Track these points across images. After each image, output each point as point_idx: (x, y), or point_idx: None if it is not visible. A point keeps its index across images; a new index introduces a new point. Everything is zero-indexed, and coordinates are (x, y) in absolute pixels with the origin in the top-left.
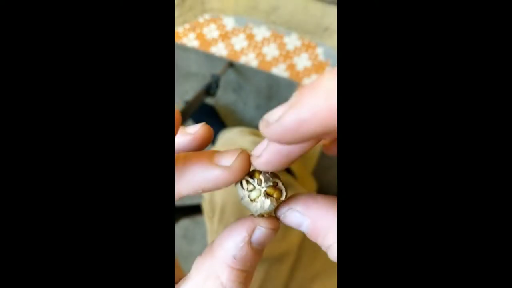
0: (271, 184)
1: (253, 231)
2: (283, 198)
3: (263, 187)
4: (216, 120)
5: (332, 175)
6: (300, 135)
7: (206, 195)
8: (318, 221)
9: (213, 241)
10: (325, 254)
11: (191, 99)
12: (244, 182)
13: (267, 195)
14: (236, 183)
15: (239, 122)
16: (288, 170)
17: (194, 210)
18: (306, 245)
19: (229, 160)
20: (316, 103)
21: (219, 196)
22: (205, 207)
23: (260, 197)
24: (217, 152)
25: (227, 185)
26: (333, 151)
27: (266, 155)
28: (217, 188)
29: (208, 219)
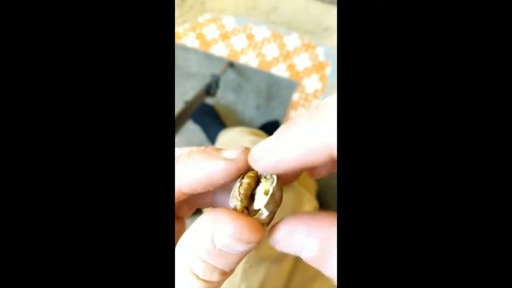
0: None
1: (213, 231)
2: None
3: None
4: (216, 120)
5: (332, 175)
6: (280, 171)
7: None
8: (325, 243)
9: (189, 227)
10: None
11: (191, 99)
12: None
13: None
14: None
15: (239, 122)
16: None
17: None
18: None
19: (234, 153)
20: (293, 145)
21: None
22: None
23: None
24: (221, 149)
25: (232, 177)
26: (314, 176)
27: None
28: (223, 181)
29: None
